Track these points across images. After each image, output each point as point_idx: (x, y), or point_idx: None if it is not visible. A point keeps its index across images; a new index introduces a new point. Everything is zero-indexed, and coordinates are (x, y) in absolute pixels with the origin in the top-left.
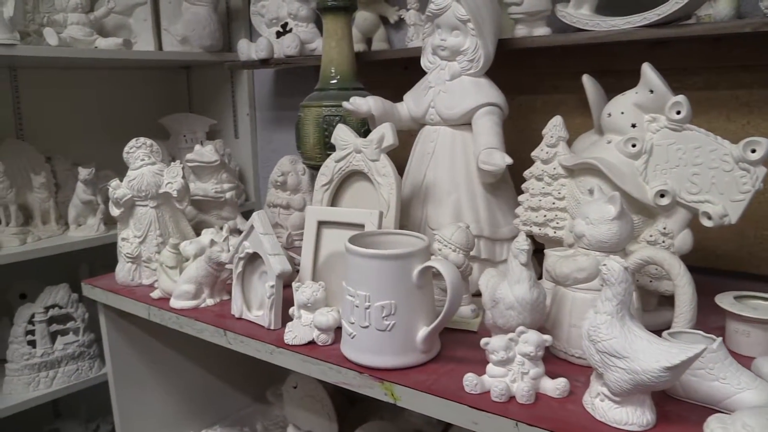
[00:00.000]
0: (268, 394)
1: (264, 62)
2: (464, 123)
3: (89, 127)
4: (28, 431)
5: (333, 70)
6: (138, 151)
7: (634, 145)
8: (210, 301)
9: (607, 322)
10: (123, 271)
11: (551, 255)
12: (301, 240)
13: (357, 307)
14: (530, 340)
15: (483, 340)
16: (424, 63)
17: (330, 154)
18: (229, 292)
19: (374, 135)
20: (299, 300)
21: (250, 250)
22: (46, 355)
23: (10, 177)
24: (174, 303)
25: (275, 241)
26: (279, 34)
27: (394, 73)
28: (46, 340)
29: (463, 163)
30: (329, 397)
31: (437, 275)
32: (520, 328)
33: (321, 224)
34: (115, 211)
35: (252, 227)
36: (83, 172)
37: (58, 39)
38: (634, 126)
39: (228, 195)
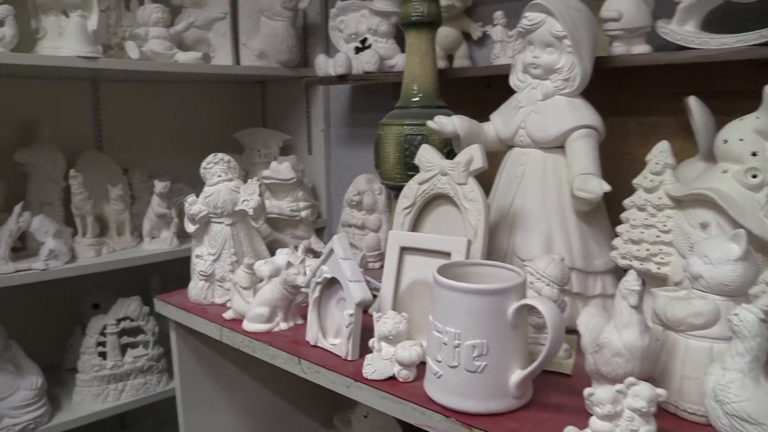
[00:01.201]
0: (336, 420)
1: (342, 78)
2: (557, 146)
3: (165, 139)
4: None
5: (415, 88)
6: (215, 167)
7: (755, 176)
8: (284, 326)
9: (737, 380)
10: (196, 288)
11: (661, 296)
12: (376, 262)
13: (445, 344)
14: (642, 394)
15: (587, 391)
16: (514, 81)
17: (411, 175)
18: (304, 316)
19: (462, 157)
20: (380, 331)
21: (329, 275)
22: (116, 367)
23: (88, 188)
24: (247, 326)
25: (356, 267)
26: (358, 50)
27: (477, 91)
28: (117, 353)
29: (554, 188)
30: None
31: (531, 311)
32: (630, 379)
33: (403, 250)
34: (190, 228)
35: (332, 251)
36: (159, 186)
37: (139, 52)
38: (754, 155)
39: (303, 213)
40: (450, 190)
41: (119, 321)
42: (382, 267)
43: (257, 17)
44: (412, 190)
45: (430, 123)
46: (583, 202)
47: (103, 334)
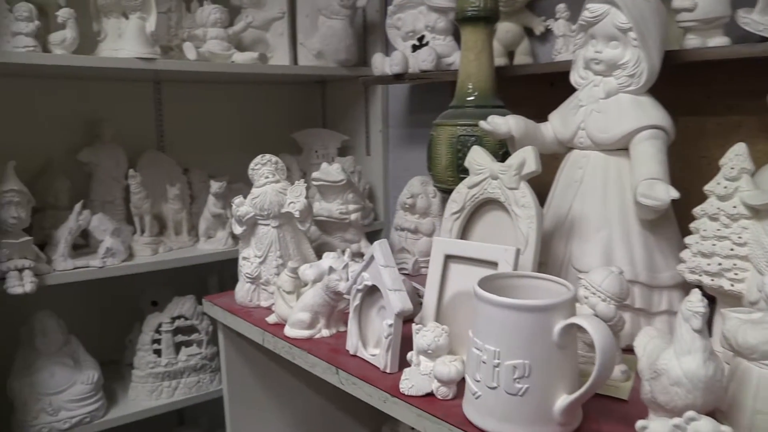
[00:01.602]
0: (385, 428)
1: (398, 77)
2: (620, 148)
3: (226, 140)
4: None
5: (470, 86)
6: (263, 168)
7: None
8: (325, 332)
9: None
10: (242, 291)
11: (732, 318)
12: (428, 269)
13: (484, 363)
14: (703, 431)
15: (639, 423)
16: (575, 78)
17: (463, 178)
18: (347, 323)
19: (514, 159)
20: (419, 345)
21: (369, 283)
22: (170, 365)
23: (149, 188)
24: (288, 331)
25: (397, 275)
26: (415, 48)
27: (539, 89)
28: (171, 350)
29: (616, 194)
30: None
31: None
32: (690, 413)
33: (448, 258)
34: (237, 229)
35: (372, 258)
36: (214, 186)
37: (197, 53)
38: None
39: (353, 217)
40: (500, 195)
41: (174, 319)
42: None
43: (315, 16)
44: (461, 195)
45: (482, 123)
46: (648, 210)
47: (158, 331)
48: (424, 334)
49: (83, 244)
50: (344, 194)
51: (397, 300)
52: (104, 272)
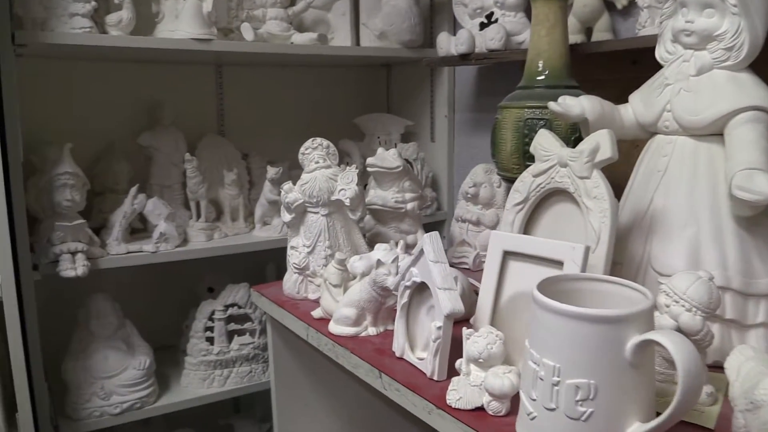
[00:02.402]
0: None
1: (464, 57)
2: (713, 133)
3: (286, 125)
4: (205, 421)
5: (540, 65)
6: (313, 153)
7: None
8: (372, 330)
9: None
10: (290, 282)
11: None
12: None
13: (541, 380)
14: None
15: None
16: (661, 53)
17: (530, 166)
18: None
19: (586, 144)
20: (469, 352)
21: (418, 279)
22: (222, 353)
23: (207, 173)
24: (333, 328)
25: (448, 271)
26: (483, 26)
27: (620, 68)
28: (224, 339)
29: (706, 186)
30: None
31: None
32: None
33: (507, 254)
34: (286, 216)
35: (422, 252)
36: (270, 171)
37: (255, 34)
38: None
39: (409, 206)
40: (570, 185)
41: (227, 307)
42: None
43: None
44: (525, 184)
45: (552, 105)
46: (745, 206)
47: (211, 319)
48: (476, 341)
49: (142, 228)
50: (401, 182)
51: (446, 300)
52: (157, 257)
